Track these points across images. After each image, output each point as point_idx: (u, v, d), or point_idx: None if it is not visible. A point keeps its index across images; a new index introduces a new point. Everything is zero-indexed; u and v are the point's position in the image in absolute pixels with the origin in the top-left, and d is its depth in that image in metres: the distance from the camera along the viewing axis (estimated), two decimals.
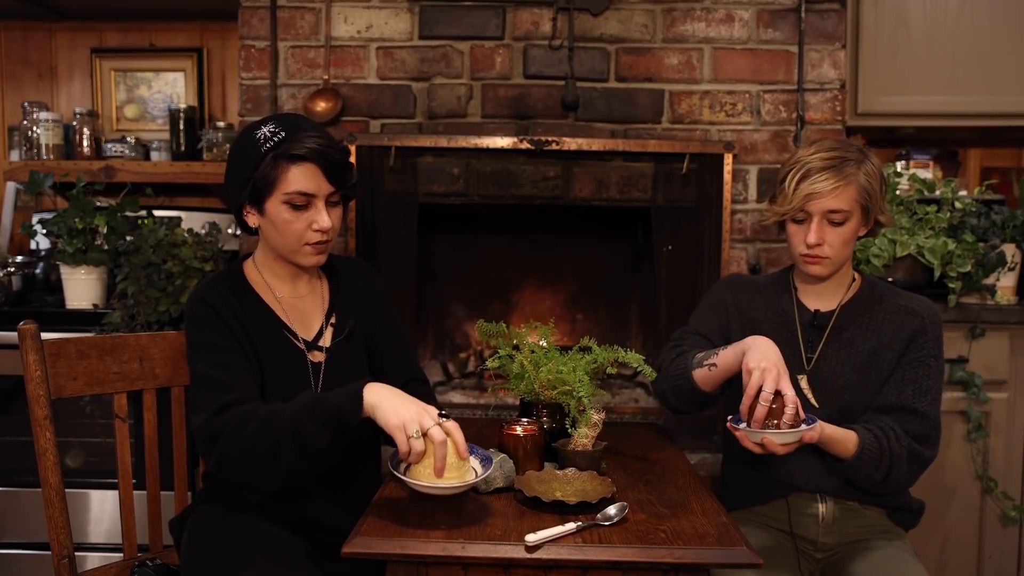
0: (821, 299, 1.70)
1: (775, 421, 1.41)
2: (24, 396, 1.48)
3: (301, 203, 1.45)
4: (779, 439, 1.41)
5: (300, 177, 1.44)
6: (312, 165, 1.44)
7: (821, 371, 1.66)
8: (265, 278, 1.57)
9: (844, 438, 1.54)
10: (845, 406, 1.63)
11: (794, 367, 1.66)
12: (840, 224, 1.59)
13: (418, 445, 1.27)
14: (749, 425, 1.44)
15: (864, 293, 1.69)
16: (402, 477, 1.29)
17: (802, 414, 1.44)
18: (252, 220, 1.51)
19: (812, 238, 1.59)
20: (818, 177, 1.56)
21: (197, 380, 1.45)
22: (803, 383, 1.66)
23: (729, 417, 1.50)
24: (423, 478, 1.28)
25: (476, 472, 1.32)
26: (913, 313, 1.64)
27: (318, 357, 1.55)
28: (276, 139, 1.43)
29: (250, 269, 1.58)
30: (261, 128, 1.46)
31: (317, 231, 1.47)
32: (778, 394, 1.43)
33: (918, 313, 1.64)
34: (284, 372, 1.50)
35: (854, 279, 1.71)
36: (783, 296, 1.74)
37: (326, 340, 1.57)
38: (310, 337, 1.56)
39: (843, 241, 1.60)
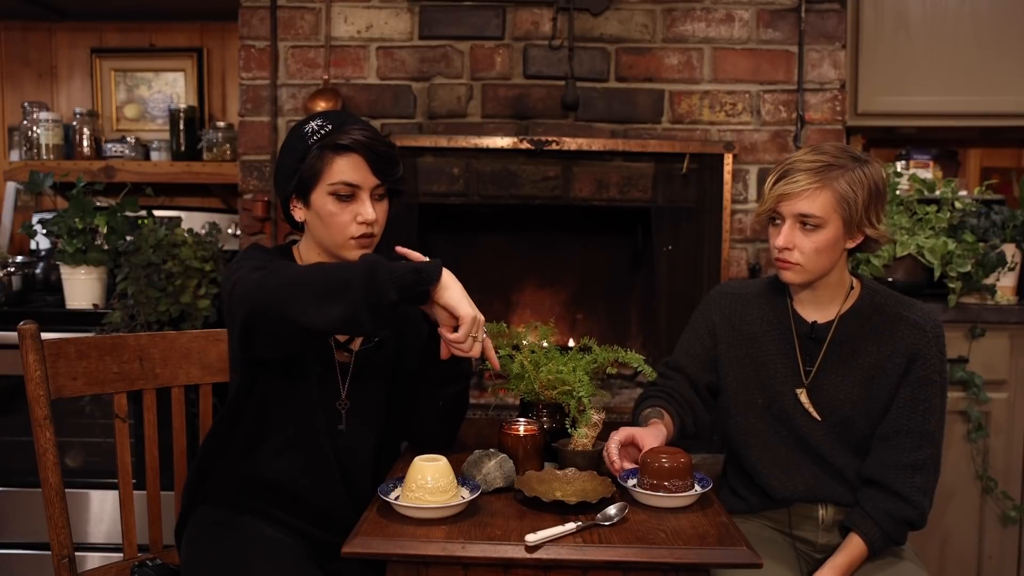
0: (818, 309, 1.63)
1: (664, 482, 1.36)
2: (24, 396, 1.48)
3: (346, 194, 1.45)
4: (667, 503, 1.36)
5: (345, 168, 1.45)
6: (357, 156, 1.45)
7: (820, 384, 1.61)
8: None
9: (854, 555, 1.53)
10: (846, 419, 1.60)
11: (792, 381, 1.63)
12: (812, 230, 1.52)
13: (478, 347, 1.35)
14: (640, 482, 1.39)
15: (864, 302, 1.62)
16: (392, 502, 1.30)
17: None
18: (299, 214, 1.52)
19: (780, 241, 1.54)
20: (793, 177, 1.51)
21: (237, 270, 1.39)
22: (802, 397, 1.62)
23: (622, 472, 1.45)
24: (413, 501, 1.28)
25: (464, 497, 1.33)
26: (916, 326, 1.57)
27: (344, 357, 1.55)
28: (323, 131, 1.45)
29: (296, 257, 1.58)
30: (310, 123, 1.48)
31: (362, 223, 1.47)
32: (671, 453, 1.39)
33: (921, 327, 1.57)
34: (314, 357, 1.50)
35: (852, 287, 1.64)
36: (778, 307, 1.67)
37: (356, 344, 1.57)
38: (341, 338, 1.56)
39: (815, 249, 1.52)
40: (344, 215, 1.46)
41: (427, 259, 1.36)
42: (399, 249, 1.45)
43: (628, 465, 1.45)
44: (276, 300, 1.29)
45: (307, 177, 1.46)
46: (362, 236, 1.48)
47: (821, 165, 1.51)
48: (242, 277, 1.34)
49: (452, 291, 1.32)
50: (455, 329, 1.34)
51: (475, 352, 1.35)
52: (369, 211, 1.47)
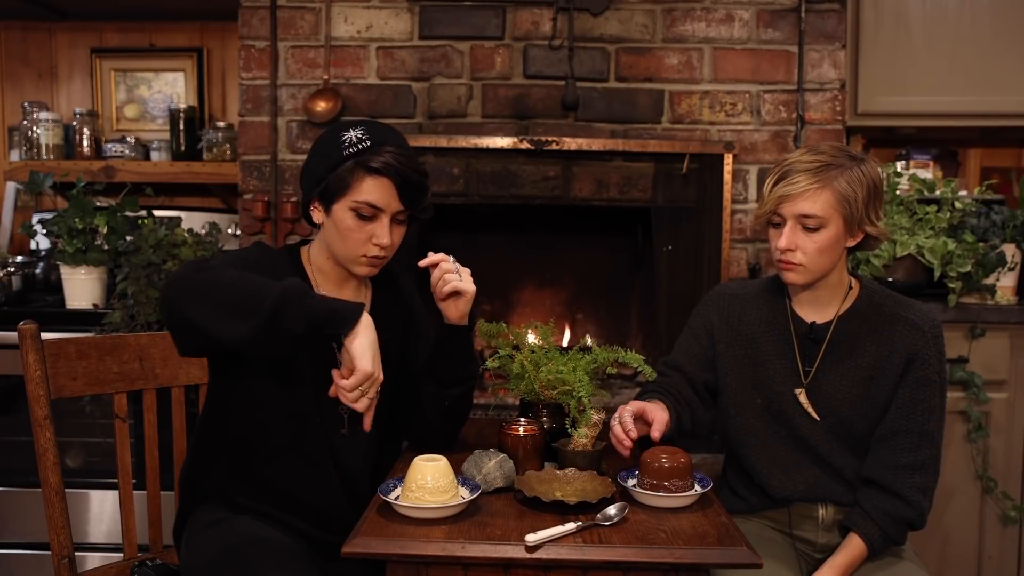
0: (817, 309, 1.63)
1: (664, 482, 1.36)
2: (24, 396, 1.48)
3: (368, 214, 1.45)
4: (667, 503, 1.37)
5: (373, 189, 1.44)
6: (387, 180, 1.44)
7: (819, 385, 1.61)
8: (314, 274, 1.56)
9: (854, 555, 1.53)
10: (845, 419, 1.60)
11: (791, 381, 1.62)
12: (814, 230, 1.52)
13: (364, 403, 1.32)
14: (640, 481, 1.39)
15: (862, 303, 1.62)
16: (392, 502, 1.30)
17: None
18: (317, 216, 1.52)
19: (782, 242, 1.53)
20: (793, 179, 1.51)
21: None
22: (801, 397, 1.61)
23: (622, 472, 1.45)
24: (413, 501, 1.29)
25: (464, 497, 1.33)
26: (914, 327, 1.57)
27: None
28: (360, 146, 1.44)
29: (304, 259, 1.58)
30: (350, 131, 1.46)
31: (376, 245, 1.47)
32: (671, 453, 1.39)
33: (919, 327, 1.57)
34: (307, 362, 1.50)
35: (851, 287, 1.64)
36: (777, 307, 1.67)
37: None
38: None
39: (817, 249, 1.53)
40: (361, 233, 1.46)
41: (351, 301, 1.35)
42: (422, 263, 1.49)
43: (630, 441, 1.46)
44: (186, 301, 1.29)
45: (334, 188, 1.45)
46: (373, 256, 1.49)
47: (820, 165, 1.51)
48: (179, 268, 1.35)
49: (361, 341, 1.30)
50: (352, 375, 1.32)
51: (359, 407, 1.33)
52: (385, 236, 1.46)
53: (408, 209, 1.48)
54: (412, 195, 1.47)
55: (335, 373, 1.33)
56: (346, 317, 1.31)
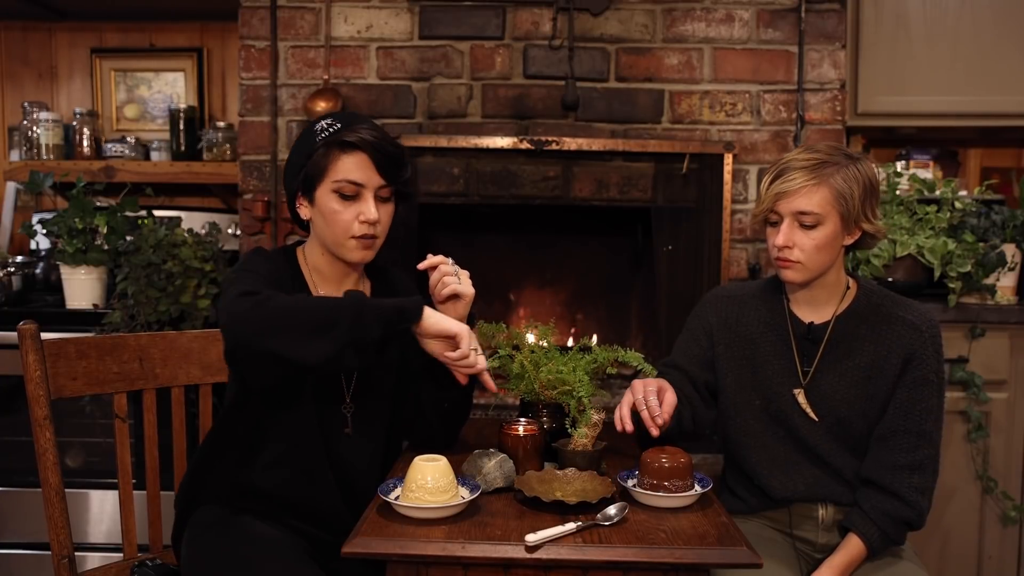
0: (815, 310, 1.64)
1: (664, 482, 1.36)
2: (24, 396, 1.48)
3: (350, 193, 1.46)
4: (667, 503, 1.37)
5: (350, 166, 1.45)
6: (363, 155, 1.45)
7: (818, 385, 1.61)
8: (311, 273, 1.56)
9: (853, 555, 1.53)
10: (844, 419, 1.60)
11: (790, 381, 1.63)
12: (811, 227, 1.52)
13: (482, 360, 1.43)
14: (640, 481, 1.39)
15: (860, 303, 1.62)
16: (392, 502, 1.30)
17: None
18: (304, 212, 1.52)
19: (779, 240, 1.54)
20: (788, 176, 1.52)
21: (231, 287, 1.39)
22: (800, 397, 1.62)
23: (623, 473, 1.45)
24: (413, 501, 1.28)
25: (464, 497, 1.33)
26: (912, 327, 1.58)
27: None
28: (332, 130, 1.46)
29: (300, 259, 1.58)
30: (321, 122, 1.49)
31: (364, 223, 1.47)
32: (671, 453, 1.39)
33: (917, 327, 1.58)
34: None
35: (848, 287, 1.64)
36: (775, 308, 1.67)
37: None
38: None
39: (815, 246, 1.53)
40: (346, 214, 1.46)
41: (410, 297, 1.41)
42: (421, 266, 1.50)
43: (657, 429, 1.46)
44: (261, 334, 1.29)
45: (312, 174, 1.47)
46: (363, 236, 1.48)
47: (816, 163, 1.52)
48: (230, 302, 1.33)
49: (437, 317, 1.39)
50: (454, 350, 1.40)
51: (482, 363, 1.43)
52: (372, 211, 1.46)
53: (389, 183, 1.48)
54: (390, 168, 1.47)
55: (447, 357, 1.40)
56: (413, 307, 1.36)
